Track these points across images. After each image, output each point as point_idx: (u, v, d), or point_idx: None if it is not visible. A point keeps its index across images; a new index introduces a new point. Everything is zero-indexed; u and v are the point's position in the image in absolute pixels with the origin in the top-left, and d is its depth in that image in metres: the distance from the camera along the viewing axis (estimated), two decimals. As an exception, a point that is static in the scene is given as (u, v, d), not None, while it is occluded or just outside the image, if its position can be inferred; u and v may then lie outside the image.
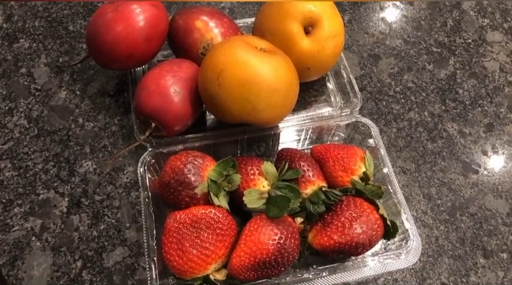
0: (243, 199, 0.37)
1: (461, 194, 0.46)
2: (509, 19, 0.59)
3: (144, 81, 0.42)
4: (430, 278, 0.42)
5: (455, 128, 0.50)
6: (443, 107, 0.52)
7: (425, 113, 0.51)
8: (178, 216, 0.37)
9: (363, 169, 0.40)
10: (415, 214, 0.45)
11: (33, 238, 0.41)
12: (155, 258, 0.37)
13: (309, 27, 0.43)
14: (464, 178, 0.47)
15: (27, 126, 0.47)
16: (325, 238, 0.36)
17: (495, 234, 0.44)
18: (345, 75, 0.48)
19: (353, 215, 0.36)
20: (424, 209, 0.45)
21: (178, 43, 0.45)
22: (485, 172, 0.48)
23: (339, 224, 0.36)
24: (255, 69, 0.37)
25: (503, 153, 0.49)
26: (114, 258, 0.41)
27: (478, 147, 0.49)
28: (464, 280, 0.42)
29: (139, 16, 0.42)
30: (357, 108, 0.45)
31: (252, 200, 0.37)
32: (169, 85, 0.41)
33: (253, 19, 0.47)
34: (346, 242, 0.36)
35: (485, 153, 0.49)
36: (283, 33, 0.43)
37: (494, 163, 0.48)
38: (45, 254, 0.41)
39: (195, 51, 0.44)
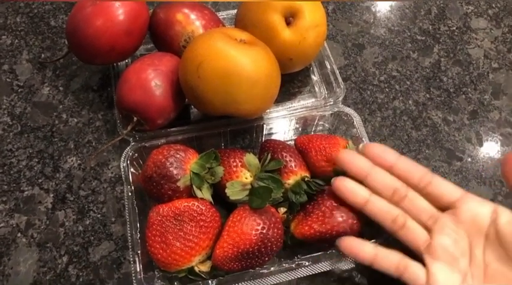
0: (226, 190, 0.38)
1: (446, 182, 0.47)
2: (493, 5, 0.59)
3: (125, 75, 0.42)
4: (414, 264, 0.43)
5: (440, 116, 0.50)
6: (427, 95, 0.52)
7: (410, 101, 0.51)
8: (161, 209, 0.37)
9: (346, 159, 0.40)
10: (399, 202, 0.45)
11: (19, 235, 0.41)
12: (139, 252, 0.37)
13: (290, 18, 0.43)
14: (448, 166, 0.48)
15: (11, 123, 0.47)
16: (306, 227, 0.37)
17: (479, 220, 0.45)
18: (328, 66, 0.48)
19: (334, 204, 0.37)
20: (408, 197, 0.46)
21: (159, 36, 0.45)
22: (469, 159, 0.48)
23: (320, 213, 0.36)
24: (235, 61, 0.37)
25: (486, 140, 0.49)
26: (100, 253, 0.41)
27: (462, 134, 0.49)
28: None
29: (119, 10, 0.42)
30: (340, 98, 0.46)
31: (234, 192, 0.38)
32: (151, 79, 0.41)
33: (236, 11, 0.47)
34: (327, 231, 0.36)
35: (469, 140, 0.49)
36: (265, 25, 0.43)
37: (478, 150, 0.49)
38: (31, 250, 0.41)
39: (177, 44, 0.44)
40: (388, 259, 0.35)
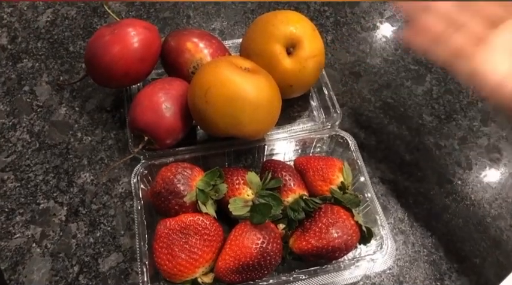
0: (229, 206, 0.40)
1: (437, 203, 0.49)
2: (482, 38, 0.63)
3: (138, 98, 0.45)
4: (406, 281, 0.45)
5: (431, 141, 0.54)
6: (420, 121, 0.55)
7: (403, 127, 0.54)
8: (168, 223, 0.39)
9: (341, 179, 0.43)
10: (392, 222, 0.48)
11: (34, 245, 0.44)
12: (147, 263, 0.39)
13: (290, 48, 0.47)
14: (439, 188, 0.50)
15: (29, 140, 0.50)
16: (304, 243, 0.39)
17: (468, 240, 0.47)
18: (326, 92, 0.51)
19: (329, 221, 0.39)
20: (401, 217, 0.48)
21: (170, 63, 0.49)
22: (459, 182, 0.51)
23: (317, 230, 0.39)
24: (239, 87, 0.41)
25: (475, 164, 0.52)
26: (109, 264, 0.43)
27: (452, 159, 0.52)
28: (439, 284, 0.45)
29: (134, 38, 0.46)
30: (337, 123, 0.49)
31: (237, 207, 0.40)
32: (161, 102, 0.44)
33: (241, 40, 0.51)
34: (323, 246, 0.38)
35: (459, 164, 0.52)
36: (267, 54, 0.46)
37: (468, 173, 0.51)
38: (45, 259, 0.43)
39: (186, 70, 0.48)
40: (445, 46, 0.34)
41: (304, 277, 0.39)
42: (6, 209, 0.46)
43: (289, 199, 0.42)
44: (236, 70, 0.42)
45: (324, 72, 0.52)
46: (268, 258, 0.38)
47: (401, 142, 0.53)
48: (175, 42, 0.48)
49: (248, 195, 0.41)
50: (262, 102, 0.41)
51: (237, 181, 0.42)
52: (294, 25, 0.46)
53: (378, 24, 0.63)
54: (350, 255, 0.42)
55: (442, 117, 0.55)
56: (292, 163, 0.47)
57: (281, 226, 0.41)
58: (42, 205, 0.46)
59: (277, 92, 0.44)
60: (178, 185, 0.40)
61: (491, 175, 0.52)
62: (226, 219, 0.42)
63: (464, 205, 0.49)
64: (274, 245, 0.38)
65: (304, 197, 0.42)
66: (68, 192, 0.47)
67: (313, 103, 0.54)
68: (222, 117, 0.41)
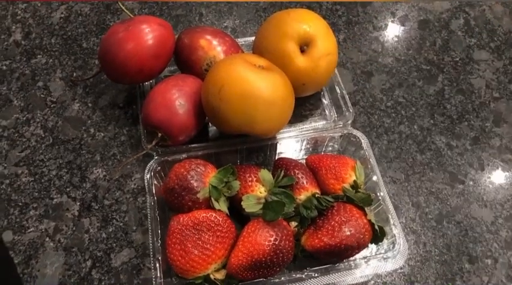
0: (242, 203, 0.40)
1: (448, 203, 0.49)
2: (495, 38, 0.62)
3: (151, 95, 0.45)
4: (417, 281, 0.45)
5: (443, 141, 0.53)
6: (431, 121, 0.55)
7: (415, 126, 0.54)
8: (181, 219, 0.40)
9: (354, 178, 0.43)
10: (404, 221, 0.48)
11: (47, 239, 0.44)
12: (160, 258, 0.40)
13: (304, 46, 0.47)
14: (451, 188, 0.50)
15: (43, 135, 0.51)
16: (316, 240, 0.39)
17: (480, 241, 0.47)
18: (338, 91, 0.51)
19: (342, 219, 0.39)
20: (412, 216, 0.48)
21: (183, 60, 0.49)
22: (471, 183, 0.51)
23: (329, 228, 0.39)
24: (253, 85, 0.41)
25: (488, 165, 0.52)
26: (121, 259, 0.44)
27: (464, 159, 0.52)
28: (450, 284, 0.45)
29: (148, 35, 0.46)
30: (349, 121, 0.49)
31: (249, 204, 0.41)
32: (175, 99, 0.44)
33: (253, 38, 0.51)
34: (336, 244, 0.38)
35: (471, 165, 0.52)
36: (280, 52, 0.46)
37: (480, 174, 0.51)
38: (58, 254, 0.44)
39: (199, 67, 0.48)
40: None
41: (315, 275, 0.39)
42: (20, 204, 0.46)
43: (302, 196, 0.42)
44: (250, 67, 0.42)
45: (336, 71, 0.52)
46: (281, 255, 0.38)
47: (413, 141, 0.53)
48: (189, 39, 0.48)
49: (261, 192, 0.42)
50: (276, 100, 0.42)
51: (250, 178, 0.42)
52: (308, 23, 0.46)
53: (390, 23, 0.63)
54: (361, 254, 0.42)
55: (454, 117, 0.55)
56: (303, 162, 0.47)
57: (293, 224, 0.41)
58: (55, 200, 0.47)
59: (291, 90, 0.44)
60: (191, 181, 0.40)
61: (504, 176, 0.51)
62: (238, 216, 0.42)
63: (476, 205, 0.49)
64: (287, 242, 0.38)
65: (316, 195, 0.42)
66: (81, 187, 0.47)
67: (325, 101, 0.54)
68: (235, 114, 0.41)
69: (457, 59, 0.60)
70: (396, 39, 0.62)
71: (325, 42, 0.47)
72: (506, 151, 0.53)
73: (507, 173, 0.52)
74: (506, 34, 0.63)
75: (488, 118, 0.55)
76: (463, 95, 0.57)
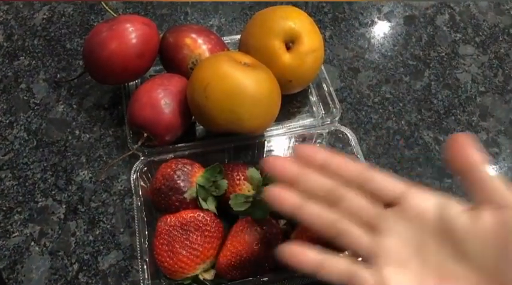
0: (229, 202, 0.40)
1: (437, 198, 0.49)
2: (480, 33, 0.63)
3: (136, 94, 0.45)
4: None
5: (431, 136, 0.54)
6: (419, 116, 0.55)
7: (402, 122, 0.54)
8: (168, 219, 0.39)
9: (342, 174, 0.43)
10: (393, 217, 0.48)
11: (32, 243, 0.44)
12: (147, 260, 0.39)
13: (289, 43, 0.46)
14: (439, 183, 0.50)
15: (27, 138, 0.50)
16: (305, 239, 0.39)
17: (468, 234, 0.47)
18: (325, 88, 0.51)
19: (331, 215, 0.39)
20: (401, 211, 0.48)
21: (169, 59, 0.48)
22: (459, 177, 0.51)
23: (318, 224, 0.39)
24: (239, 82, 0.40)
25: (475, 158, 0.52)
26: (108, 261, 0.43)
27: (452, 153, 0.52)
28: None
29: (132, 34, 0.46)
30: (337, 118, 0.49)
31: (237, 203, 0.40)
32: (160, 98, 0.44)
33: (239, 36, 0.51)
34: (325, 242, 0.38)
35: (458, 159, 0.52)
36: (266, 49, 0.46)
37: (467, 167, 0.51)
38: (44, 258, 0.43)
39: (185, 66, 0.47)
40: (335, 266, 0.30)
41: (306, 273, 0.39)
42: (4, 208, 0.45)
43: (290, 194, 0.41)
44: (236, 65, 0.42)
45: (323, 68, 0.51)
46: (270, 254, 0.38)
47: (400, 137, 0.53)
48: (174, 38, 0.48)
49: (249, 191, 0.41)
50: (262, 97, 0.41)
51: (238, 177, 0.42)
52: (293, 20, 0.46)
53: (376, 20, 0.63)
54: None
55: (441, 112, 0.55)
56: (292, 159, 0.46)
57: (282, 222, 0.41)
58: (40, 203, 0.46)
59: (276, 87, 0.44)
60: (178, 181, 0.40)
61: (491, 170, 0.52)
62: (226, 215, 0.42)
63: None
64: (276, 241, 0.38)
65: (305, 193, 0.42)
66: (67, 190, 0.47)
67: (313, 98, 0.54)
68: (221, 112, 0.41)
69: (443, 54, 0.60)
70: (382, 35, 0.62)
71: (310, 39, 0.47)
72: (493, 144, 0.53)
73: (494, 167, 0.52)
74: (491, 28, 0.63)
75: (475, 113, 0.56)
76: (450, 90, 0.57)
